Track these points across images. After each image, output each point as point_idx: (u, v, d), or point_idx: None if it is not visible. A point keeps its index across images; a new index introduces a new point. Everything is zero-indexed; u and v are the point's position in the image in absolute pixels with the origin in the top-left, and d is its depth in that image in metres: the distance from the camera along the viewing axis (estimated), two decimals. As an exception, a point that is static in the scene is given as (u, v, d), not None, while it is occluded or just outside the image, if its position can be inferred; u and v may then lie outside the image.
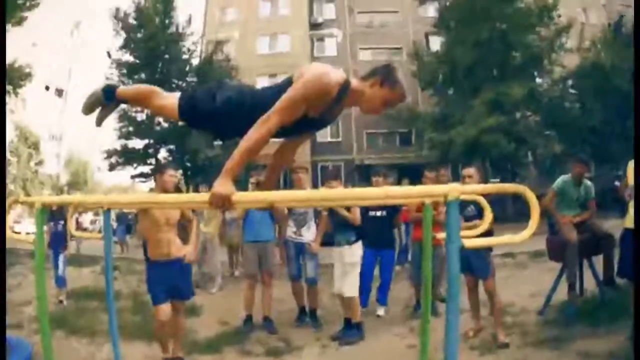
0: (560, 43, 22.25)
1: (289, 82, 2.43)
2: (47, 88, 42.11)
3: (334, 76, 2.35)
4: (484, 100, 20.89)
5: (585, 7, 29.48)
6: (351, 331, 6.01)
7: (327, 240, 6.57)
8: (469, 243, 2.12)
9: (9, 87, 20.58)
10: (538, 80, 23.61)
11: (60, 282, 8.24)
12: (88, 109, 2.96)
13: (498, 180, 23.90)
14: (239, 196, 2.24)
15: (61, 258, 8.32)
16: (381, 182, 6.67)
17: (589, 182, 6.30)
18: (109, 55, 25.86)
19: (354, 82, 2.48)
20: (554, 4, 22.12)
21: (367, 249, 6.61)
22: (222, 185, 2.21)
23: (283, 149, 2.85)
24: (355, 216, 6.08)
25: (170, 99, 2.69)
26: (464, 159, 20.35)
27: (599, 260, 6.15)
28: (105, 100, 2.88)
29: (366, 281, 6.60)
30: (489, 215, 3.07)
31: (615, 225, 6.18)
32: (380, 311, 6.90)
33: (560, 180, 6.28)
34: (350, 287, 5.98)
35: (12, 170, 36.36)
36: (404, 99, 2.52)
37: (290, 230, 6.81)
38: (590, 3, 30.12)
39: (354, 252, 6.11)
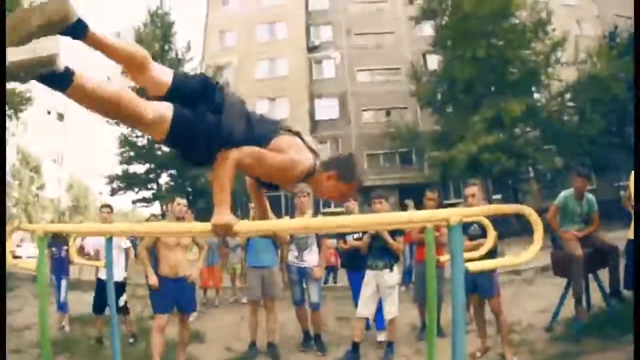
0: (556, 57, 22.39)
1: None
2: (48, 112, 42.45)
3: (306, 166, 2.41)
4: (483, 117, 20.95)
5: (579, 19, 29.73)
6: (389, 348, 6.05)
7: (352, 263, 6.64)
8: (474, 267, 2.11)
9: (10, 112, 20.72)
10: (536, 95, 23.69)
11: (63, 307, 8.21)
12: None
13: (500, 196, 23.90)
14: (241, 225, 2.26)
15: (63, 284, 8.29)
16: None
17: (591, 196, 6.26)
18: (109, 79, 25.96)
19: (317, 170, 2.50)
20: (548, 18, 22.32)
21: (352, 273, 6.72)
22: (220, 215, 2.23)
23: (254, 190, 2.85)
24: (400, 245, 6.18)
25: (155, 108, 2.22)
26: (466, 176, 20.34)
27: (604, 273, 6.10)
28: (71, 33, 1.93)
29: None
30: (492, 235, 3.07)
31: (620, 237, 6.16)
32: (381, 336, 6.67)
33: (562, 195, 6.26)
34: (391, 309, 6.00)
35: (13, 193, 36.38)
36: (359, 191, 2.58)
37: (292, 255, 6.80)
38: (584, 15, 30.39)
39: (394, 276, 6.13)
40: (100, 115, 2.15)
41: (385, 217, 2.59)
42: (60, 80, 1.91)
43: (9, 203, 30.11)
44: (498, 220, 3.36)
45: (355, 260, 6.62)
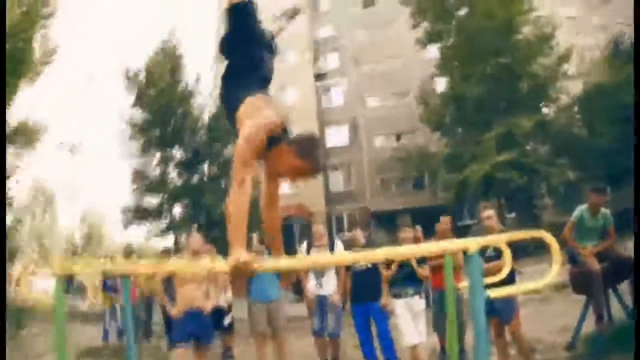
0: (563, 70, 22.42)
1: None
2: (61, 145, 42.98)
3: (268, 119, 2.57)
4: (494, 135, 20.95)
5: (582, 30, 29.84)
6: None
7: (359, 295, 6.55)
8: (494, 294, 2.10)
9: (23, 144, 20.99)
10: (545, 110, 23.65)
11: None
12: None
13: (514, 214, 23.73)
14: (260, 264, 2.27)
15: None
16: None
17: (606, 211, 6.23)
18: (122, 113, 26.33)
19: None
20: (552, 32, 22.45)
21: (355, 305, 6.60)
22: (237, 255, 2.24)
23: (266, 208, 2.85)
24: (426, 272, 6.13)
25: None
26: (479, 197, 20.34)
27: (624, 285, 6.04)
28: None
29: (365, 335, 6.52)
30: (509, 260, 3.04)
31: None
32: None
33: (578, 211, 6.24)
34: (420, 334, 5.94)
35: (27, 225, 36.60)
36: (315, 173, 2.61)
37: (310, 284, 6.76)
38: (586, 26, 30.51)
39: (422, 302, 6.10)
40: None
41: (405, 250, 2.58)
42: None
43: (23, 235, 30.36)
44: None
45: (361, 293, 6.52)
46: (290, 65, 33.70)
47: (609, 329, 5.90)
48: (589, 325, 5.93)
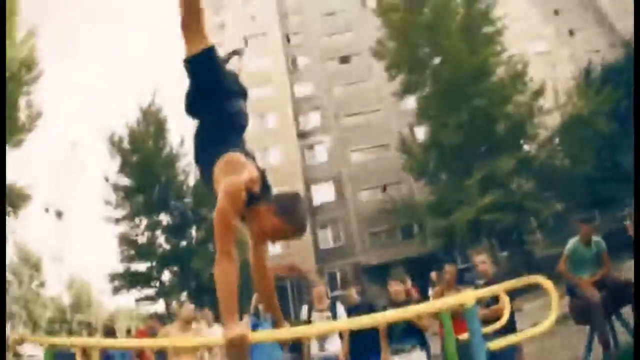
0: (539, 106, 22.85)
1: None
2: (46, 210, 42.53)
3: (246, 174, 2.45)
4: (476, 179, 21.10)
5: (553, 63, 30.71)
6: None
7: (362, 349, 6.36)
8: (494, 345, 2.07)
9: (9, 209, 20.89)
10: (525, 147, 23.93)
11: None
12: None
13: (506, 253, 23.66)
14: (256, 336, 2.22)
15: None
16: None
17: (597, 239, 6.25)
18: (107, 180, 26.25)
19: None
20: (524, 69, 22.97)
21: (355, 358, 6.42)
22: (231, 329, 2.15)
23: (256, 272, 2.73)
24: (426, 322, 5.89)
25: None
26: (469, 241, 20.38)
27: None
28: None
29: None
30: (507, 307, 3.01)
31: (631, 266, 6.08)
32: None
33: (570, 244, 6.24)
34: None
35: (14, 291, 35.79)
36: (297, 233, 2.46)
37: (314, 347, 6.61)
38: (557, 58, 31.47)
39: (423, 354, 5.80)
40: None
41: (404, 313, 2.53)
42: None
43: (8, 301, 29.67)
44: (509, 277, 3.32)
45: (361, 351, 6.30)
46: (272, 127, 34.08)
47: (615, 354, 5.82)
48: (597, 354, 5.84)
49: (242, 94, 2.92)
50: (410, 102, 26.94)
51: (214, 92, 2.74)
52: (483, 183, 20.97)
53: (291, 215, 2.41)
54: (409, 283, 6.91)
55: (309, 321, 6.65)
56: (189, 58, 2.71)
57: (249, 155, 2.70)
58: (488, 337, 2.43)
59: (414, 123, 27.00)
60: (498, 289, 2.86)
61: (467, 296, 2.07)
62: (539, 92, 22.83)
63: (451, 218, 21.61)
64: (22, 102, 21.14)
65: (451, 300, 2.34)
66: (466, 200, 21.15)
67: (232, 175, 2.41)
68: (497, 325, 3.07)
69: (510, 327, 4.33)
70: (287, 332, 2.49)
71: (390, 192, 30.22)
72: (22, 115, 21.15)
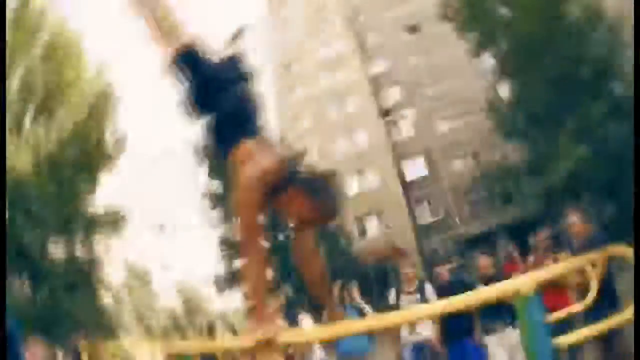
0: (620, 41, 20.84)
1: None
2: (151, 227, 44.65)
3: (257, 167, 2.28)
4: (568, 130, 19.88)
5: None
6: None
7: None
8: (566, 340, 1.65)
9: (110, 230, 22.23)
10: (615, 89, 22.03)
11: None
12: None
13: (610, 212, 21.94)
14: (285, 336, 2.01)
15: None
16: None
17: None
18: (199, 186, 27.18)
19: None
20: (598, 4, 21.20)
21: (450, 344, 6.05)
22: (260, 326, 2.00)
23: (302, 263, 2.52)
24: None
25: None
26: (567, 198, 19.01)
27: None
28: None
29: None
30: (594, 284, 2.55)
31: None
32: None
33: None
34: None
35: (127, 306, 37.97)
36: (329, 214, 2.32)
37: (403, 331, 6.36)
38: None
39: (517, 332, 5.40)
40: None
41: (454, 302, 2.19)
42: None
43: (124, 314, 31.86)
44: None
45: (454, 330, 5.91)
46: (352, 110, 33.80)
47: None
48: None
49: (243, 78, 2.75)
50: (489, 62, 25.68)
51: (208, 86, 2.63)
52: (575, 134, 19.61)
53: (321, 195, 2.27)
54: (515, 252, 7.17)
55: (397, 305, 6.35)
56: (177, 55, 2.63)
57: (267, 142, 2.53)
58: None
59: (495, 82, 25.73)
60: (559, 269, 2.42)
61: (523, 282, 1.66)
62: (617, 27, 20.89)
63: (548, 175, 20.39)
64: (107, 132, 22.22)
65: (505, 287, 1.95)
66: (561, 153, 19.85)
67: (250, 164, 2.31)
68: (586, 302, 2.62)
69: (608, 302, 3.75)
70: (376, 320, 2.25)
71: (483, 157, 29.10)
72: (109, 143, 22.24)
